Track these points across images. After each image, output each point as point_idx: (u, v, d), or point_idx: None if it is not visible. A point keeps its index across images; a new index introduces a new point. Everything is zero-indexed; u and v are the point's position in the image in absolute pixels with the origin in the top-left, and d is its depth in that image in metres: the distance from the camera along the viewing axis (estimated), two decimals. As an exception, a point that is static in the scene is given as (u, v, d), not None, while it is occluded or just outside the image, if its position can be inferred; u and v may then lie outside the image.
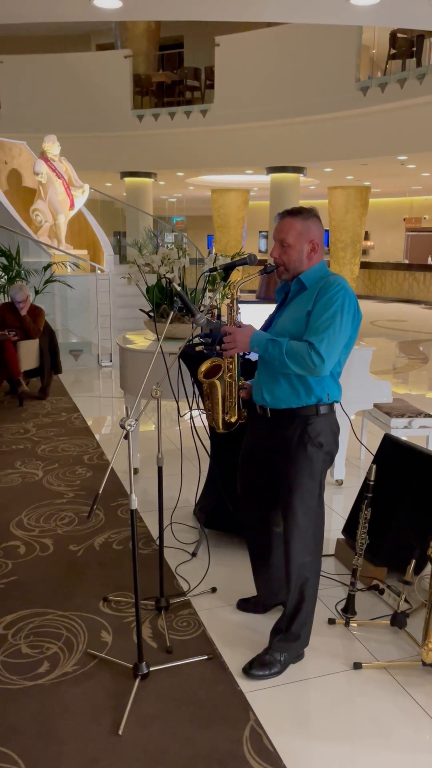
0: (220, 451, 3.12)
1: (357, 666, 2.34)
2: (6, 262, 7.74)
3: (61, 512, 3.64)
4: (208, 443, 3.07)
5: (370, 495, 2.57)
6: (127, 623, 2.59)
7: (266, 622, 2.52)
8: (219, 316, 3.73)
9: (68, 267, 8.55)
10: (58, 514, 3.61)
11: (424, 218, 19.44)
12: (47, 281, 7.69)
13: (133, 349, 3.90)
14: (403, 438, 3.23)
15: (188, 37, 16.42)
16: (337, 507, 3.79)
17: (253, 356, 2.61)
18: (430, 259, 17.99)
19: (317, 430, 2.21)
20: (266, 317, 2.38)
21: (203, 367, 2.39)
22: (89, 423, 5.45)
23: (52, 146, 9.04)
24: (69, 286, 8.00)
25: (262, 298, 15.20)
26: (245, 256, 2.40)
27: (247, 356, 2.73)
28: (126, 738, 2.00)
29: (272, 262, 2.26)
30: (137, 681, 2.21)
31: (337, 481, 4.12)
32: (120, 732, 2.01)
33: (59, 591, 2.82)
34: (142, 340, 4.11)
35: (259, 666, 2.29)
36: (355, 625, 2.61)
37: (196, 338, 3.07)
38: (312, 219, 2.20)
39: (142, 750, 1.95)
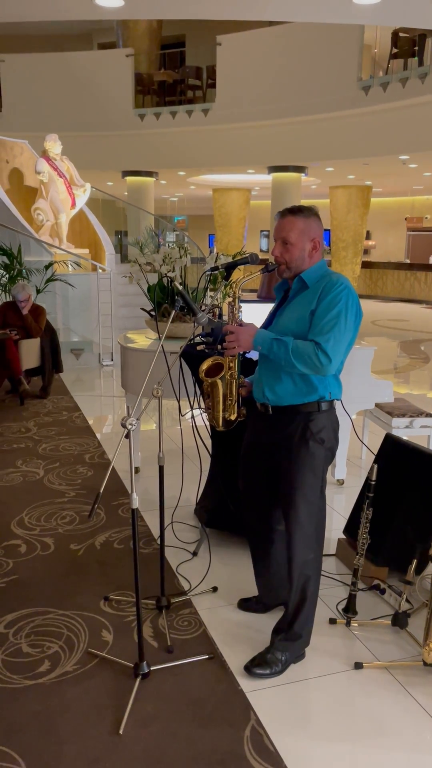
0: (221, 451, 3.12)
1: (358, 666, 2.34)
2: (7, 261, 7.74)
3: (62, 511, 3.64)
4: (209, 442, 3.07)
5: (371, 495, 2.57)
6: (127, 622, 2.59)
7: (267, 621, 2.52)
8: (220, 315, 3.72)
9: (69, 266, 8.56)
10: (59, 513, 3.61)
11: (426, 218, 19.44)
12: (48, 280, 7.70)
13: (134, 349, 3.89)
14: (405, 438, 3.23)
15: (190, 36, 16.42)
16: (338, 507, 3.78)
17: (254, 355, 2.61)
18: (431, 258, 17.98)
19: (319, 426, 2.21)
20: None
21: (204, 366, 2.39)
22: (90, 422, 5.44)
23: (54, 145, 9.04)
24: (70, 285, 8.00)
25: (264, 298, 15.17)
26: (247, 255, 2.40)
27: (247, 355, 2.73)
28: (126, 737, 1.99)
29: (273, 261, 2.26)
30: (138, 680, 2.21)
31: (338, 480, 4.12)
32: (120, 731, 2.01)
33: (60, 590, 2.82)
34: (143, 340, 4.11)
35: (261, 665, 2.29)
36: (356, 625, 2.60)
37: (198, 337, 3.06)
38: (313, 217, 2.21)
39: (143, 749, 1.95)
